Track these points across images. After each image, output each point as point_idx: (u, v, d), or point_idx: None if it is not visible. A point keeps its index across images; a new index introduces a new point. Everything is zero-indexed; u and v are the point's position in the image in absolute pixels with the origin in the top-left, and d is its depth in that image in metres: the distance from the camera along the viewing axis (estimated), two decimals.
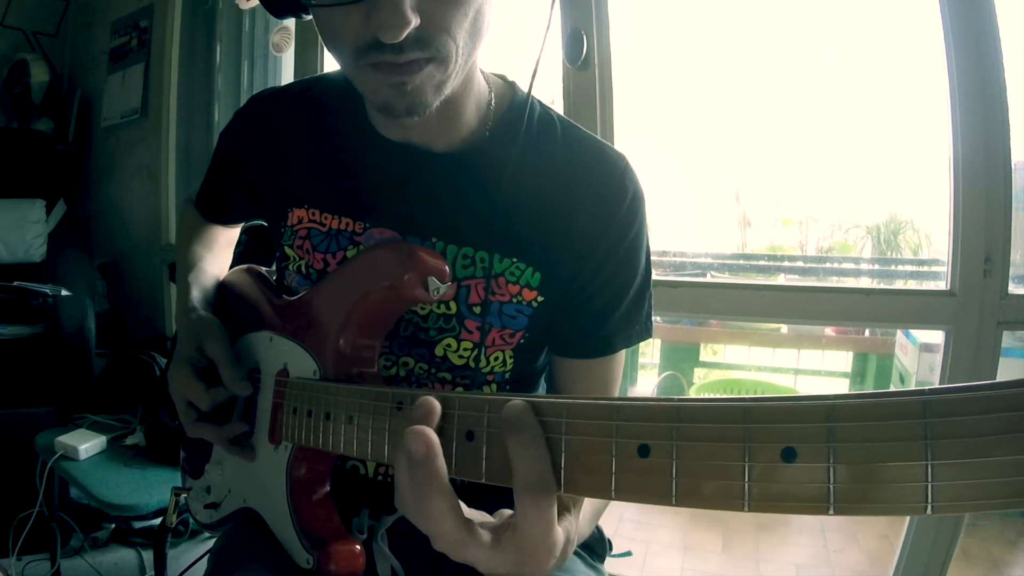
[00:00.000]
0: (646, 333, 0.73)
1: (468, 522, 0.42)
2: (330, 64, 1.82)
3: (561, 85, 1.52)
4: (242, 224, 0.93)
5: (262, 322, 0.70)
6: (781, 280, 3.07)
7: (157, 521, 1.66)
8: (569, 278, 0.67)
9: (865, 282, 2.93)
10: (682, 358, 3.31)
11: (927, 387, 0.29)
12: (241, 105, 0.79)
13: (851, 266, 3.14)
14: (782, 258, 3.30)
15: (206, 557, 0.77)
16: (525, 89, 0.69)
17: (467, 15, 0.53)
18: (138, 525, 1.86)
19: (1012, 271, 1.19)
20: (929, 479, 0.28)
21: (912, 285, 2.80)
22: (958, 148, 1.20)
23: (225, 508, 0.73)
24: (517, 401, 0.40)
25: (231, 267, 0.87)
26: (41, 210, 2.39)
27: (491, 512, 0.46)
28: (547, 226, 0.66)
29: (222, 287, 0.81)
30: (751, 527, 2.14)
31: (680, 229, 3.14)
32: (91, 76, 2.67)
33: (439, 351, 0.67)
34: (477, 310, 0.66)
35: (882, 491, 0.29)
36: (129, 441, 1.69)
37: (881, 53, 2.48)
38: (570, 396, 0.40)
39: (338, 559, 0.59)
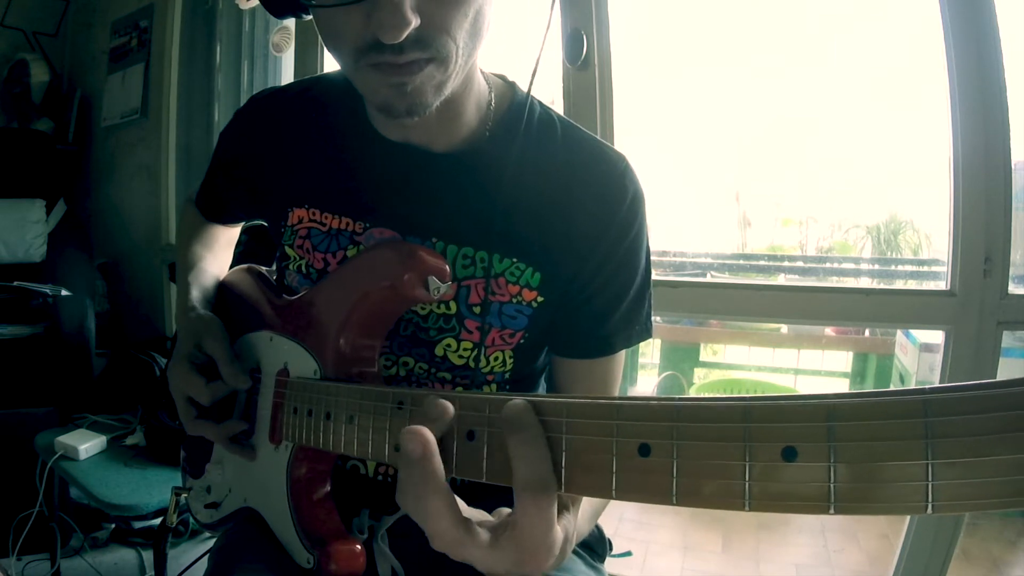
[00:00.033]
0: (646, 333, 0.73)
1: (466, 521, 0.42)
2: (330, 64, 1.82)
3: (561, 85, 1.52)
4: (242, 224, 0.93)
5: (262, 322, 0.70)
6: (781, 280, 3.07)
7: (157, 521, 1.65)
8: (569, 278, 0.67)
9: (865, 282, 2.93)
10: (682, 358, 3.31)
11: (927, 386, 0.29)
12: (241, 105, 0.79)
13: (851, 266, 3.14)
14: (782, 258, 3.30)
15: (206, 557, 0.77)
16: (525, 89, 0.69)
17: (467, 15, 0.53)
18: (138, 525, 1.86)
19: (1012, 271, 1.19)
20: (930, 478, 0.28)
21: (912, 285, 2.80)
22: (958, 148, 1.20)
23: (225, 508, 0.73)
24: (518, 400, 0.40)
25: (231, 267, 0.87)
26: (41, 210, 2.39)
27: (490, 511, 0.46)
28: (547, 226, 0.66)
29: (222, 287, 0.81)
30: (751, 527, 2.14)
31: (680, 229, 3.14)
32: (91, 76, 2.67)
33: (439, 351, 0.68)
34: (477, 310, 0.66)
35: (883, 490, 0.29)
36: (129, 441, 1.69)
37: (881, 53, 2.48)
38: (570, 395, 0.40)
39: (338, 559, 0.59)
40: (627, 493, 0.36)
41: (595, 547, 0.79)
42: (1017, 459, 0.26)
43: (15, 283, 2.07)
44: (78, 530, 1.81)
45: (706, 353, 3.39)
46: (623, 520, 2.19)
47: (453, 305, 0.66)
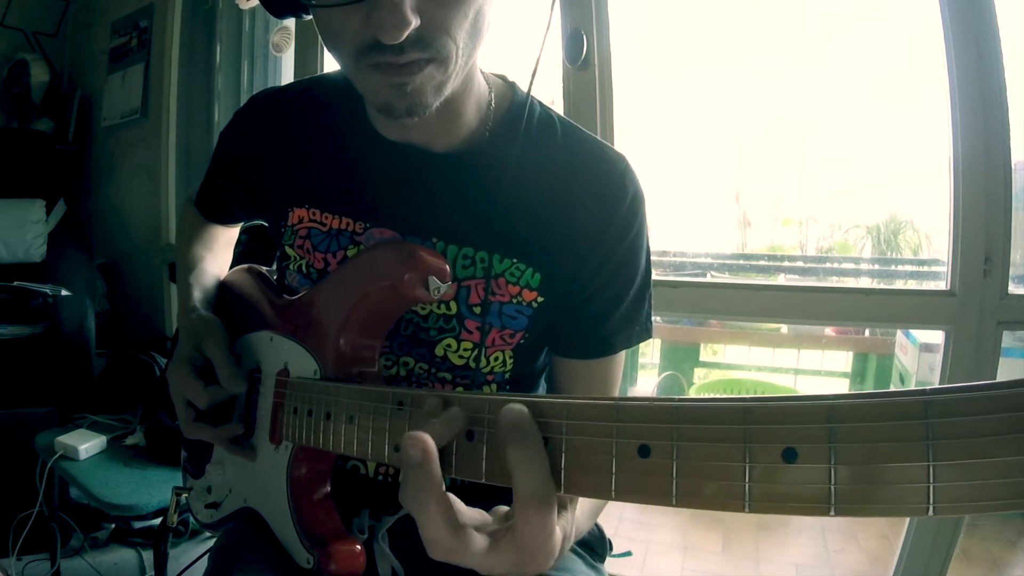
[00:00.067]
0: (646, 333, 0.73)
1: (462, 528, 0.41)
2: (330, 64, 1.82)
3: (561, 85, 1.52)
4: (242, 224, 0.93)
5: (262, 322, 0.70)
6: (781, 280, 3.07)
7: (157, 521, 1.65)
8: (569, 278, 0.67)
9: (865, 282, 2.93)
10: (682, 358, 3.31)
11: (928, 387, 0.29)
12: (241, 105, 0.79)
13: (851, 266, 3.14)
14: (782, 258, 3.30)
15: (206, 557, 0.77)
16: (525, 89, 0.69)
17: (467, 16, 0.53)
18: (138, 525, 1.86)
19: (1012, 271, 1.19)
20: (931, 480, 0.28)
21: (912, 285, 2.80)
22: (958, 148, 1.20)
23: (226, 508, 0.73)
24: (514, 407, 0.40)
25: (232, 267, 0.87)
26: (41, 210, 2.39)
27: (488, 510, 0.46)
28: (547, 226, 0.66)
29: (223, 287, 0.81)
30: (751, 527, 2.14)
31: (680, 229, 3.14)
32: (91, 76, 2.67)
33: (439, 351, 0.68)
34: (477, 310, 0.66)
35: (883, 492, 0.29)
36: (129, 441, 1.69)
37: (881, 53, 2.48)
38: (570, 396, 0.40)
39: (338, 559, 0.59)
40: (627, 494, 0.36)
41: (595, 547, 0.79)
42: (1019, 460, 0.26)
43: (15, 283, 2.07)
44: (78, 530, 1.81)
45: (706, 353, 3.39)
46: (623, 520, 2.19)
47: (453, 305, 0.66)
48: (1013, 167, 1.17)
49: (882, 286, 2.52)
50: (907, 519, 1.27)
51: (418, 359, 0.68)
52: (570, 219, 0.66)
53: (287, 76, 2.16)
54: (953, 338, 1.23)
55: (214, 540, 0.79)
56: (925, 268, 2.80)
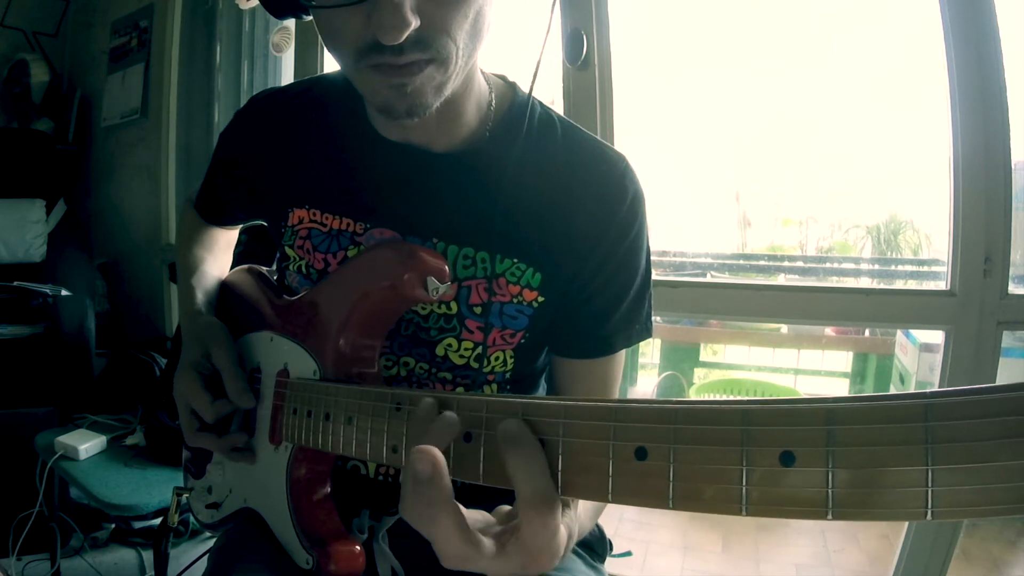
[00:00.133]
0: (646, 333, 0.73)
1: (473, 535, 0.41)
2: (330, 64, 1.82)
3: (561, 85, 1.52)
4: (242, 225, 0.93)
5: (263, 322, 0.70)
6: (781, 280, 3.07)
7: (157, 521, 1.66)
8: (569, 278, 0.67)
9: (865, 282, 2.93)
10: (682, 358, 3.31)
11: (928, 390, 0.29)
12: (241, 105, 0.79)
13: (851, 266, 3.14)
14: (782, 258, 3.30)
15: (206, 557, 0.77)
16: (525, 89, 0.69)
17: (467, 16, 0.53)
18: (138, 525, 1.86)
19: (1012, 271, 1.19)
20: (929, 484, 0.28)
21: (912, 285, 2.80)
22: (958, 148, 1.19)
23: (226, 508, 0.73)
24: (511, 421, 0.40)
25: (232, 268, 0.87)
26: (41, 210, 2.39)
27: (490, 510, 0.46)
28: (547, 226, 0.66)
29: (223, 287, 0.81)
30: (751, 527, 2.14)
31: (680, 229, 3.14)
32: (91, 76, 2.67)
33: (440, 351, 0.68)
34: (478, 310, 0.66)
35: (882, 496, 0.29)
36: (129, 441, 1.69)
37: (881, 53, 2.48)
38: (568, 397, 0.40)
39: (338, 559, 0.59)
40: (623, 496, 0.36)
41: (595, 547, 0.79)
42: (1018, 465, 0.26)
43: (15, 283, 2.07)
44: (78, 530, 1.81)
45: (706, 353, 3.39)
46: (623, 520, 2.19)
47: (454, 305, 0.66)
48: (1013, 167, 1.17)
49: (882, 286, 2.52)
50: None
51: (418, 359, 0.68)
52: (570, 219, 0.66)
53: (287, 76, 2.16)
54: (953, 338, 1.23)
55: (214, 540, 0.79)
56: (925, 268, 2.80)
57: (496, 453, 0.41)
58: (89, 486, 1.48)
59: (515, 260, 0.66)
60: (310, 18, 0.58)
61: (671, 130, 3.01)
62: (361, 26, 0.51)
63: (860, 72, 2.59)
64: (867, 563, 1.98)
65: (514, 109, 0.68)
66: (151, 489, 1.47)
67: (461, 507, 0.42)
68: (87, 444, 1.61)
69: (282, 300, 0.70)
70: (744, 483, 0.32)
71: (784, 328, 3.16)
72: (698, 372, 3.32)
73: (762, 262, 3.29)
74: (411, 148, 0.66)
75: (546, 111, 0.70)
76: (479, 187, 0.65)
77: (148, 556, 1.81)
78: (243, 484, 0.71)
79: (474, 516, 0.43)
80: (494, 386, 0.71)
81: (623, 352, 0.73)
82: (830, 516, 0.30)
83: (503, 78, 0.71)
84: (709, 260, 3.04)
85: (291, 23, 1.84)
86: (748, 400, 0.33)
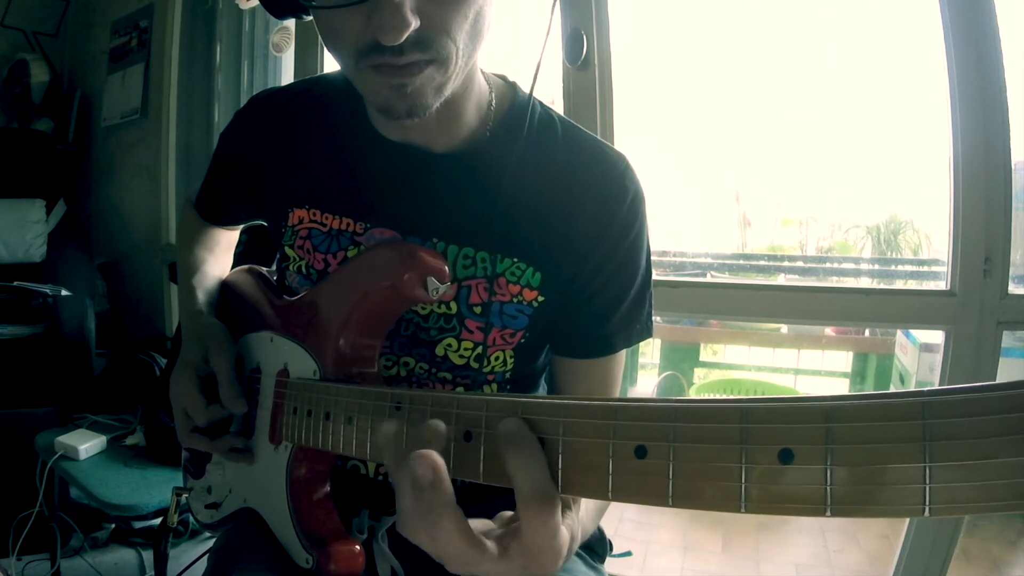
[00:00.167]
0: (647, 333, 0.73)
1: (476, 537, 0.41)
2: (330, 64, 1.82)
3: (561, 85, 1.52)
4: (242, 225, 0.93)
5: (263, 322, 0.70)
6: (781, 280, 3.07)
7: (157, 521, 1.66)
8: (569, 278, 0.67)
9: (865, 282, 2.93)
10: (682, 358, 3.31)
11: (926, 388, 0.29)
12: (241, 105, 0.79)
13: (851, 266, 3.14)
14: (782, 258, 3.30)
15: (206, 557, 0.77)
16: (526, 89, 0.69)
17: (467, 17, 0.53)
18: (138, 525, 1.86)
19: (1012, 271, 1.19)
20: (927, 481, 0.28)
21: (912, 285, 2.80)
22: (958, 148, 1.20)
23: (226, 508, 0.73)
24: (510, 420, 0.40)
25: (232, 268, 0.87)
26: (41, 210, 2.39)
27: (489, 509, 0.46)
28: (548, 226, 0.66)
29: (223, 287, 0.81)
30: (751, 527, 2.14)
31: (680, 229, 3.14)
32: (91, 76, 2.67)
33: (440, 351, 0.68)
34: (478, 310, 0.66)
35: (880, 493, 0.29)
36: (129, 441, 1.69)
37: (881, 53, 2.48)
38: (568, 396, 0.40)
39: (337, 559, 0.59)
40: (623, 495, 0.36)
41: (595, 547, 0.79)
42: (1017, 462, 0.26)
43: (15, 283, 2.07)
44: (78, 530, 1.81)
45: (706, 353, 3.39)
46: (623, 520, 2.19)
47: (454, 305, 0.66)
48: (1013, 167, 1.17)
49: (882, 286, 2.52)
50: (907, 519, 1.27)
51: (418, 359, 0.68)
52: (570, 219, 0.66)
53: (287, 76, 2.16)
54: (953, 338, 1.23)
55: (214, 540, 0.79)
56: (925, 268, 2.80)
57: (496, 452, 0.41)
58: (89, 486, 1.48)
59: (515, 260, 0.66)
60: (310, 18, 0.58)
61: (671, 130, 3.01)
62: (361, 26, 0.51)
63: (860, 72, 2.59)
64: (867, 563, 1.98)
65: (514, 109, 0.68)
66: (151, 489, 1.48)
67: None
68: (87, 444, 1.61)
69: (282, 300, 0.70)
70: (743, 481, 0.32)
71: (784, 328, 3.16)
72: (698, 372, 3.32)
73: (762, 262, 3.29)
74: (411, 148, 0.66)
75: (546, 111, 0.70)
76: (479, 187, 0.65)
77: (148, 556, 1.81)
78: (243, 484, 0.71)
79: (475, 523, 0.43)
80: (494, 386, 0.71)
81: (624, 352, 0.73)
82: (829, 513, 0.30)
83: (503, 78, 0.71)
84: (709, 260, 3.05)
85: (291, 23, 1.84)
86: (747, 399, 0.33)
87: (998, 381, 0.27)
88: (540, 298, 0.67)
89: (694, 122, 2.97)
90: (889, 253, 3.04)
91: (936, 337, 1.62)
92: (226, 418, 0.70)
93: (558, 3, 0.67)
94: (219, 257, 0.87)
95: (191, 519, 0.79)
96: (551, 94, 1.53)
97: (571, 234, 0.66)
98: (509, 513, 0.45)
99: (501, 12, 0.60)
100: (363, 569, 0.61)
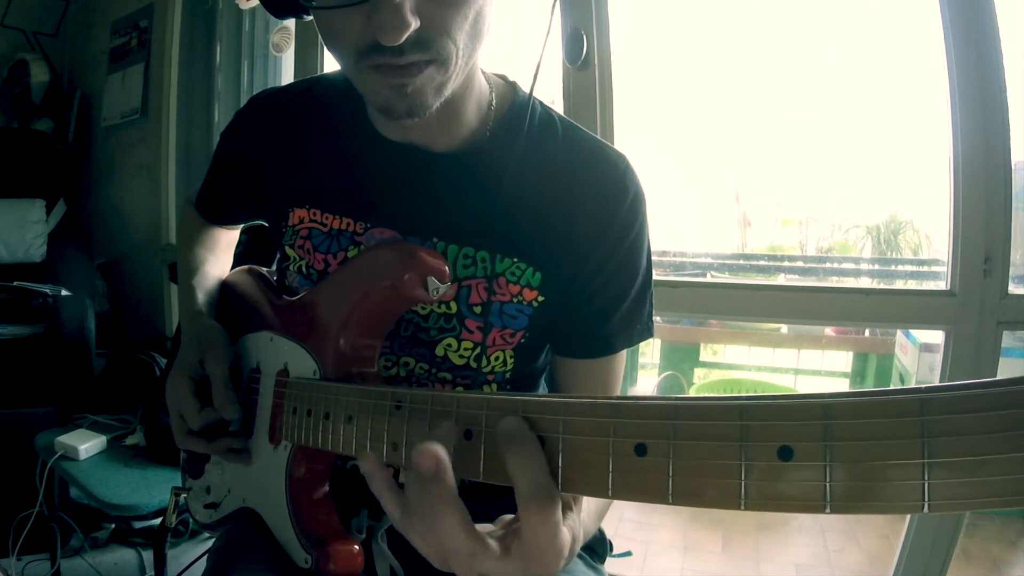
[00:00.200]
0: (647, 333, 0.73)
1: (479, 534, 0.41)
2: (330, 64, 1.82)
3: (561, 85, 1.52)
4: (242, 225, 0.93)
5: (263, 322, 0.70)
6: (781, 280, 3.07)
7: (157, 521, 1.66)
8: (570, 278, 0.67)
9: (865, 282, 2.93)
10: (682, 358, 3.31)
11: (923, 385, 0.29)
12: (241, 105, 0.79)
13: (851, 266, 3.14)
14: (782, 258, 3.30)
15: (205, 557, 0.77)
16: (526, 89, 0.69)
17: (467, 17, 0.53)
18: (138, 525, 1.86)
19: (1012, 271, 1.19)
20: (926, 478, 0.28)
21: (912, 285, 2.80)
22: (958, 148, 1.20)
23: (225, 508, 0.73)
24: (511, 419, 0.40)
25: (232, 268, 0.87)
26: (41, 210, 2.39)
27: (490, 509, 0.46)
28: (548, 226, 0.66)
29: (223, 287, 0.81)
30: (751, 527, 2.14)
31: (680, 229, 3.14)
32: (91, 76, 2.67)
33: (440, 351, 0.68)
34: (478, 310, 0.66)
35: (879, 490, 0.29)
36: (129, 441, 1.69)
37: (881, 53, 2.48)
38: (567, 395, 0.40)
39: (337, 559, 0.59)
40: (623, 493, 0.36)
41: (595, 547, 0.79)
42: (1015, 458, 0.26)
43: (15, 283, 2.07)
44: (78, 530, 1.81)
45: (706, 353, 3.39)
46: (623, 520, 2.19)
47: (454, 305, 0.66)
48: (1013, 167, 1.17)
49: (882, 286, 2.52)
50: (907, 518, 1.28)
51: (418, 359, 0.68)
52: (571, 219, 0.66)
53: (287, 76, 2.16)
54: (953, 338, 1.23)
55: (213, 540, 0.79)
56: (925, 268, 2.80)
57: (496, 451, 0.41)
58: (89, 486, 1.48)
59: (515, 260, 0.66)
60: (310, 18, 0.58)
61: (671, 130, 3.01)
62: (361, 27, 0.51)
63: (860, 72, 2.59)
64: (867, 563, 1.98)
65: (515, 109, 0.68)
66: (151, 489, 1.48)
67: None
68: (87, 444, 1.61)
69: (282, 300, 0.70)
70: (743, 478, 0.32)
71: (784, 328, 3.16)
72: (698, 372, 3.32)
73: (762, 262, 3.29)
74: (411, 148, 0.66)
75: (547, 111, 0.70)
76: (479, 187, 0.66)
77: (148, 556, 1.81)
78: (242, 484, 0.71)
79: (476, 526, 0.43)
80: (494, 386, 0.71)
81: (624, 352, 0.73)
82: (828, 510, 0.30)
83: (503, 78, 0.71)
84: (709, 260, 3.05)
85: (291, 23, 1.84)
86: (746, 396, 0.33)
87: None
88: (540, 298, 0.67)
89: (694, 122, 2.97)
90: (889, 253, 3.04)
91: (936, 337, 1.62)
92: (223, 420, 0.70)
93: (558, 3, 0.67)
94: (220, 257, 0.87)
95: (190, 519, 0.79)
96: (551, 94, 1.54)
97: (571, 234, 0.66)
98: (510, 516, 0.45)
99: (501, 12, 0.60)
100: (362, 569, 0.61)
